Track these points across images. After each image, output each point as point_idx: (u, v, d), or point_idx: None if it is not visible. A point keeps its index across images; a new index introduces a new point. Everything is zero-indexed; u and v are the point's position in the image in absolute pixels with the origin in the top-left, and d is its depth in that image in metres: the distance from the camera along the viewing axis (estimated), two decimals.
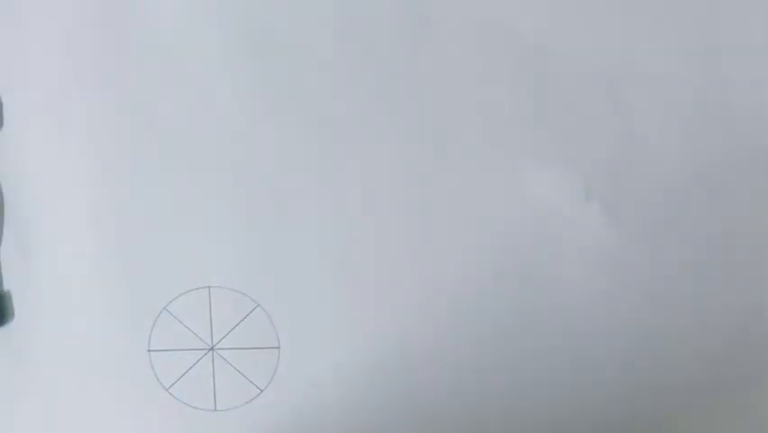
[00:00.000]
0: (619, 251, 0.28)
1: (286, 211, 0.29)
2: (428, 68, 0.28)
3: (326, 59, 0.28)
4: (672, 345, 0.28)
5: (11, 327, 0.29)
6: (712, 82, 0.27)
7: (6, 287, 0.29)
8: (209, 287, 0.29)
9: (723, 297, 0.28)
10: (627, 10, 0.28)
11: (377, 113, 0.28)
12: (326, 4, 0.28)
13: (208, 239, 0.29)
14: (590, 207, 0.28)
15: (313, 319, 0.29)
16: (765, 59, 0.27)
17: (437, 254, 0.28)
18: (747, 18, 0.27)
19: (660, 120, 0.28)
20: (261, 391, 0.29)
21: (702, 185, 0.28)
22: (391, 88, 0.28)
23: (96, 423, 0.29)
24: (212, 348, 0.29)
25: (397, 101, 0.28)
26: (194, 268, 0.29)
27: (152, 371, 0.29)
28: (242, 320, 0.29)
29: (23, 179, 0.29)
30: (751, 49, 0.27)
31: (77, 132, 0.29)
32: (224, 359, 0.29)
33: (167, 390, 0.29)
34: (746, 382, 0.28)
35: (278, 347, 0.29)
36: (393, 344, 0.28)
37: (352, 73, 0.28)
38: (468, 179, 0.28)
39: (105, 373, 0.29)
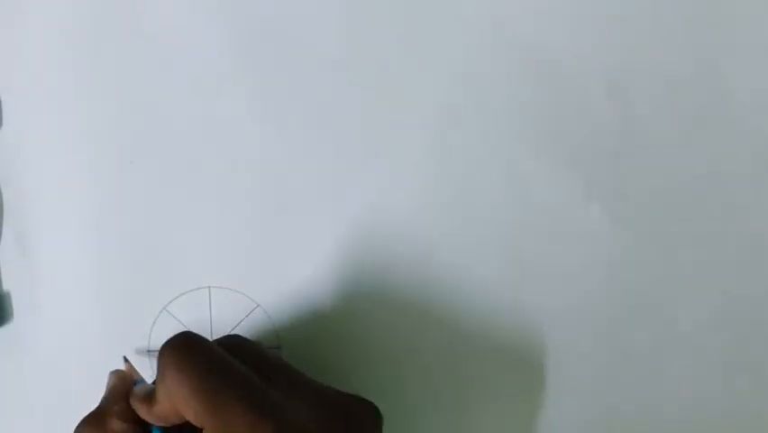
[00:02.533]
0: (619, 251, 0.28)
1: (286, 211, 0.29)
2: (428, 67, 0.28)
3: (328, 58, 0.28)
4: (671, 344, 0.28)
5: (11, 327, 0.29)
6: (712, 82, 0.28)
7: (6, 287, 0.29)
8: (209, 287, 0.29)
9: (723, 297, 0.28)
10: (628, 10, 0.28)
11: (376, 113, 0.28)
12: (327, 4, 0.28)
13: (208, 239, 0.29)
14: (591, 207, 0.28)
15: (313, 319, 0.29)
16: (765, 59, 0.27)
17: (437, 255, 0.28)
18: (747, 18, 0.27)
19: (660, 120, 0.28)
20: None
21: (702, 185, 0.28)
22: (391, 88, 0.28)
23: None
24: None
25: (396, 101, 0.28)
26: (194, 268, 0.29)
27: (152, 371, 0.29)
28: (243, 320, 0.29)
29: (23, 179, 0.29)
30: (751, 49, 0.27)
31: (77, 131, 0.29)
32: None
33: None
34: (747, 383, 0.28)
35: (279, 347, 0.29)
36: (393, 343, 0.28)
37: (353, 73, 0.28)
38: (468, 179, 0.28)
39: (105, 373, 0.29)
